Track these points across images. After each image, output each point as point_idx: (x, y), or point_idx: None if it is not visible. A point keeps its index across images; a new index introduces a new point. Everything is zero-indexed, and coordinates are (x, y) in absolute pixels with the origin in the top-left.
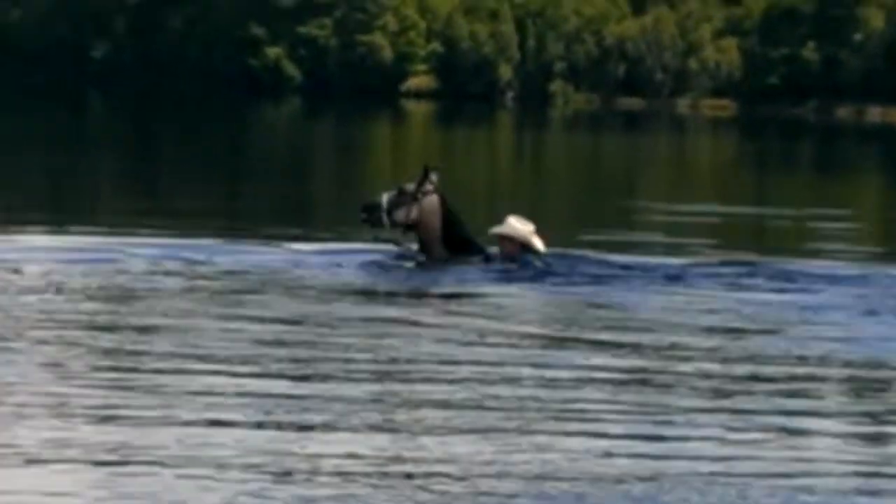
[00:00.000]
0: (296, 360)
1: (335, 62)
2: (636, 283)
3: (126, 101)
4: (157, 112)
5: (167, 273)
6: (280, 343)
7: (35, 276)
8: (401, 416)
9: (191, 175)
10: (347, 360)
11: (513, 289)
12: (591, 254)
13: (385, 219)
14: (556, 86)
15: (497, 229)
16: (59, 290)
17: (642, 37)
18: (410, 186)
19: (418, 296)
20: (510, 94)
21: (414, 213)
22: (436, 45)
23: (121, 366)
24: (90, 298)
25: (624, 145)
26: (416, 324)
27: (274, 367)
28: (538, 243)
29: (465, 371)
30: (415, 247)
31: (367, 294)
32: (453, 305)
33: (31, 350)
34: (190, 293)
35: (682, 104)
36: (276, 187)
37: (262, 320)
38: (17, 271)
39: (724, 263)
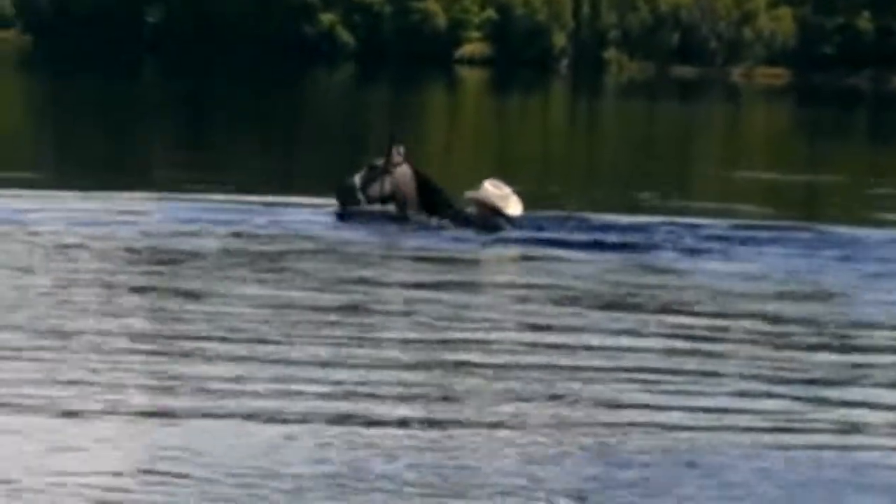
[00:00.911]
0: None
1: (389, 28)
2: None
3: (180, 67)
4: (211, 78)
5: (214, 234)
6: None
7: (87, 238)
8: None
9: (245, 141)
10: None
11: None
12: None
13: (361, 197)
14: (610, 53)
15: (470, 193)
16: (111, 253)
17: (697, 5)
18: (379, 161)
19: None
20: (564, 62)
21: (388, 185)
22: (490, 12)
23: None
24: (145, 262)
25: (678, 113)
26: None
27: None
28: (513, 207)
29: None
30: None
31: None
32: (499, 269)
33: (80, 313)
34: (240, 255)
35: (736, 73)
36: (330, 152)
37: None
38: (67, 233)
39: (776, 228)
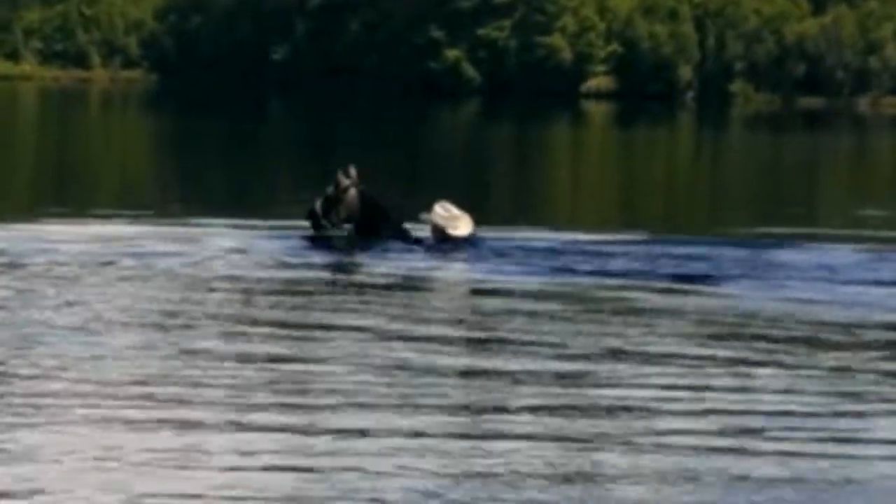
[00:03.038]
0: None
1: (514, 64)
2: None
3: (306, 104)
4: (336, 115)
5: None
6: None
7: (215, 270)
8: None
9: (371, 177)
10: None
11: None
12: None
13: (324, 223)
14: (736, 85)
15: (423, 216)
16: (244, 286)
17: (822, 36)
18: (330, 190)
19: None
20: (690, 94)
21: (343, 210)
22: (615, 46)
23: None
24: (273, 293)
25: (805, 144)
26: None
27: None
28: (462, 229)
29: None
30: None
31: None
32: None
33: (205, 339)
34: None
35: (863, 103)
36: (456, 187)
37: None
38: (197, 265)
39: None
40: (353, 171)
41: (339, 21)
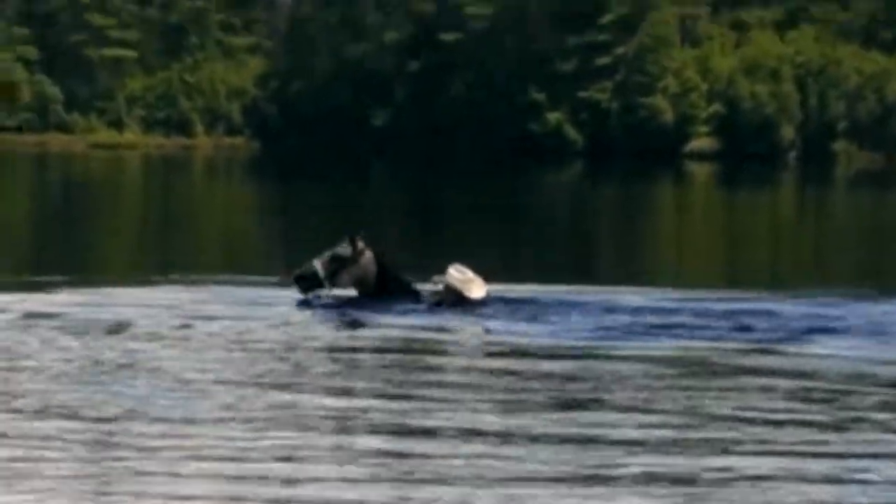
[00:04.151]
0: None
1: (616, 125)
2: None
3: (408, 169)
4: (439, 179)
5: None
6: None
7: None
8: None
9: (476, 242)
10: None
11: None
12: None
13: (326, 284)
14: (838, 144)
15: (437, 278)
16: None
17: None
18: (344, 251)
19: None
20: (793, 154)
21: (357, 272)
22: (717, 107)
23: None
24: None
25: None
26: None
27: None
28: (476, 291)
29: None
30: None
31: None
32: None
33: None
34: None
35: None
36: (561, 252)
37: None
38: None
39: None
40: (359, 237)
41: (438, 84)
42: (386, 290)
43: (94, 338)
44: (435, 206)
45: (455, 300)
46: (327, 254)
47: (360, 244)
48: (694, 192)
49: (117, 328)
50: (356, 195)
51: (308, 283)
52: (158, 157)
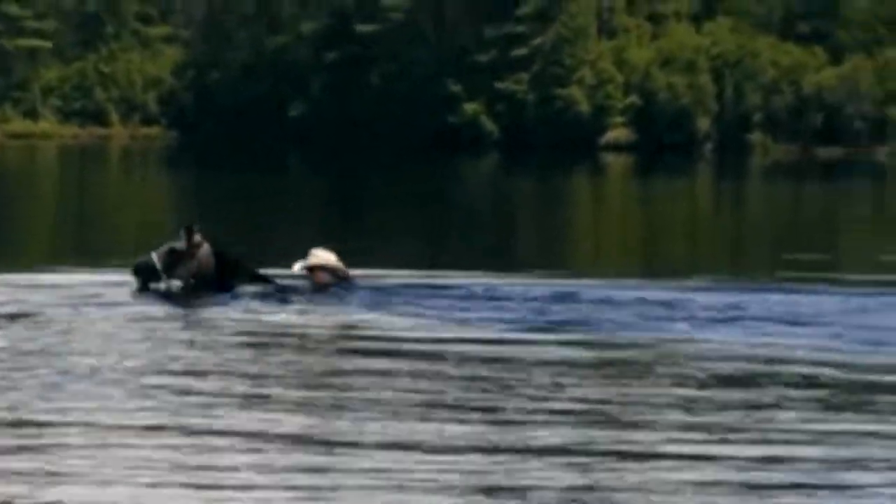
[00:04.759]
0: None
1: (533, 116)
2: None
3: (326, 159)
4: (355, 170)
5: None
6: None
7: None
8: None
9: (392, 230)
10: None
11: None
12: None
13: (164, 278)
14: (754, 136)
15: (309, 261)
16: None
17: (840, 86)
18: (180, 245)
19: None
20: (708, 146)
21: (194, 265)
22: (633, 98)
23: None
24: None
25: (823, 195)
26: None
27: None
28: (304, 262)
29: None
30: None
31: None
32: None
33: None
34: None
35: (882, 152)
36: (477, 241)
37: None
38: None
39: None
40: (195, 230)
41: (356, 75)
42: (226, 281)
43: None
44: (353, 194)
45: (331, 280)
46: (165, 247)
47: (198, 237)
48: (610, 183)
49: (23, 316)
50: (274, 184)
51: (145, 274)
52: (74, 147)
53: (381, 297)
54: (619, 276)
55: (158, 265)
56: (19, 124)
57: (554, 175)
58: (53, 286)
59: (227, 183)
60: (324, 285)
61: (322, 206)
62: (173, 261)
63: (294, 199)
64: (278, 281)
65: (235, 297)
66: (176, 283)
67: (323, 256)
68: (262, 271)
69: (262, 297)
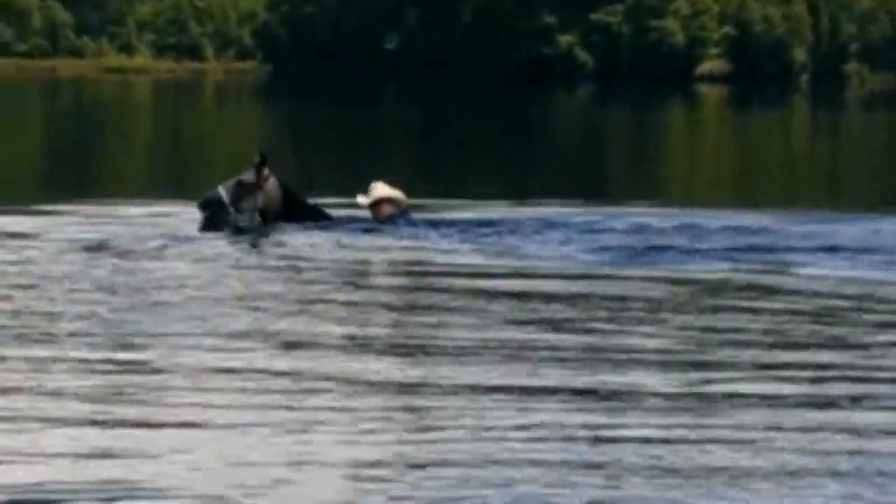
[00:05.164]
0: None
1: (628, 48)
2: None
3: (419, 92)
4: (449, 102)
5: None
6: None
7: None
8: None
9: (484, 160)
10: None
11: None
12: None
13: (231, 210)
14: (850, 66)
15: (373, 194)
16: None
17: None
18: (248, 177)
19: None
20: (804, 76)
21: (260, 199)
22: (728, 29)
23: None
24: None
25: None
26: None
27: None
28: (367, 197)
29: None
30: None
31: None
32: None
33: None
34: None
35: None
36: (570, 171)
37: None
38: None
39: None
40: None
41: (450, 7)
42: (292, 215)
43: (96, 258)
44: (447, 127)
45: (397, 213)
46: (233, 179)
47: (266, 170)
48: (705, 115)
49: (109, 248)
50: (368, 117)
51: (212, 208)
52: (169, 81)
53: (463, 231)
54: (714, 206)
55: (226, 198)
56: (114, 59)
57: (648, 107)
58: (144, 217)
59: (321, 116)
60: (387, 217)
61: (415, 138)
62: (241, 194)
63: (387, 132)
64: (337, 215)
65: (304, 231)
66: (243, 218)
67: (385, 190)
68: (320, 203)
69: (332, 231)
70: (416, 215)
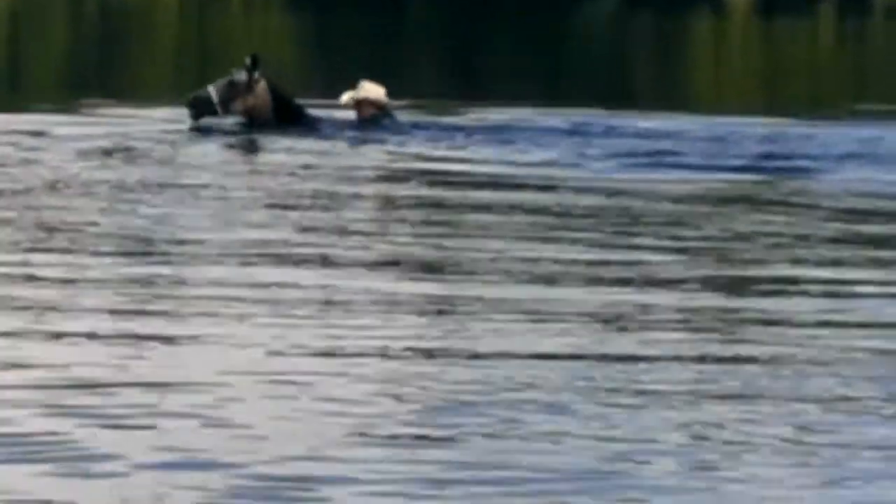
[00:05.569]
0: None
1: None
2: None
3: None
4: (475, 10)
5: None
6: None
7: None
8: None
9: (510, 64)
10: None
11: None
12: None
13: (220, 111)
14: None
15: (359, 93)
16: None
17: None
18: (240, 77)
19: None
20: None
21: (250, 101)
22: None
23: None
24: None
25: None
26: None
27: None
28: (350, 95)
29: None
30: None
31: None
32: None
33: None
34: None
35: None
36: (596, 78)
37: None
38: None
39: None
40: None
41: None
42: (281, 120)
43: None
44: (473, 34)
45: (377, 113)
46: (224, 79)
47: (257, 73)
48: (732, 22)
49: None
50: (394, 25)
51: (201, 108)
52: None
53: (488, 134)
54: (743, 112)
55: (215, 98)
56: None
57: (675, 15)
58: (161, 121)
59: (348, 23)
60: (368, 119)
61: (442, 46)
62: (231, 95)
63: (413, 39)
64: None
65: (294, 134)
66: (231, 119)
67: (372, 90)
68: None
69: (326, 135)
70: (400, 118)
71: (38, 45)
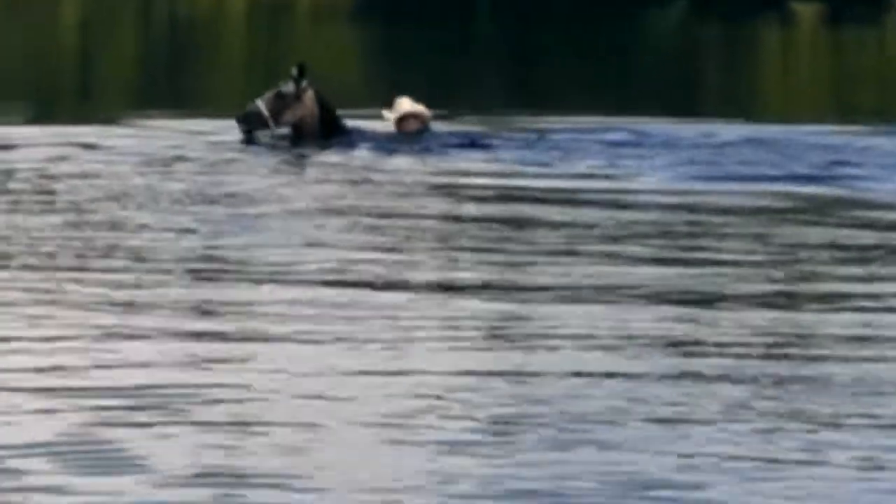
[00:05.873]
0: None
1: None
2: None
3: (512, 10)
4: (543, 21)
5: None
6: None
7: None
8: None
9: (576, 74)
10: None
11: None
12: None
13: (271, 123)
14: None
15: (402, 109)
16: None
17: None
18: (288, 88)
19: None
20: None
21: (299, 111)
22: None
23: None
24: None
25: None
26: None
27: None
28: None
29: None
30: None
31: None
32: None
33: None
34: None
35: None
36: (661, 88)
37: None
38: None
39: None
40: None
41: None
42: (327, 130)
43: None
44: (540, 45)
45: (421, 129)
46: (271, 91)
47: (304, 82)
48: (800, 32)
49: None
50: (461, 38)
51: (251, 123)
52: (263, 2)
53: (547, 146)
54: (809, 121)
55: (265, 111)
56: None
57: (741, 24)
58: (218, 132)
59: (415, 36)
60: (413, 133)
61: (508, 58)
62: (281, 106)
63: (478, 51)
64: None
65: (343, 145)
66: (283, 131)
67: (410, 105)
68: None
69: (374, 146)
70: (442, 129)
71: (108, 55)
